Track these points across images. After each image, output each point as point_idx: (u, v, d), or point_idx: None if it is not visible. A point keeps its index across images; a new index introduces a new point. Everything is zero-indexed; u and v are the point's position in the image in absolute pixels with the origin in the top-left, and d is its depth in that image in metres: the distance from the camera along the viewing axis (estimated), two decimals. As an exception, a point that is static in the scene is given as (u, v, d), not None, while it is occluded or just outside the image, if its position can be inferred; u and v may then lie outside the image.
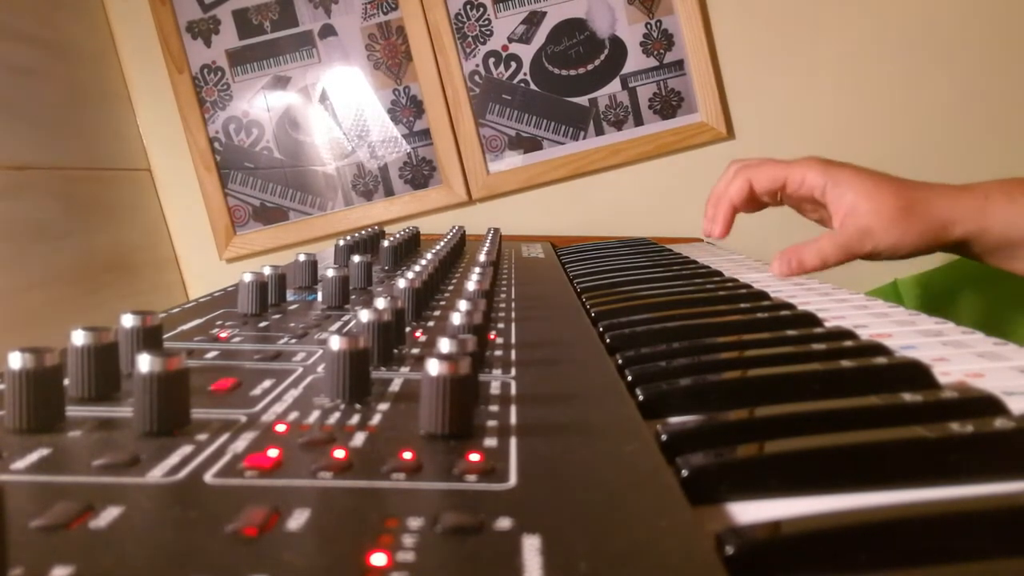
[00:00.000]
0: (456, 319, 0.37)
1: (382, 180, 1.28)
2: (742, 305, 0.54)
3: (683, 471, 0.26)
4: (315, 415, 0.30)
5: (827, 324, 0.48)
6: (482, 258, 0.63)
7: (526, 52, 1.25)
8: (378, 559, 0.19)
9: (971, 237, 0.67)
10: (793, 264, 0.67)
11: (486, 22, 1.25)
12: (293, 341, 0.42)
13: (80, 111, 1.15)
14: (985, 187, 0.67)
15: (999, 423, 0.28)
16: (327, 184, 1.28)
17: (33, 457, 0.25)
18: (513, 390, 0.34)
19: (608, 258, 0.87)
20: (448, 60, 1.25)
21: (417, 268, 0.52)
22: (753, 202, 0.74)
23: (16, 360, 0.27)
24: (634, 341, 0.44)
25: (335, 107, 1.27)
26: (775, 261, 0.69)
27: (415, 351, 0.41)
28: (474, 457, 0.25)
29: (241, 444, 0.27)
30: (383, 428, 0.29)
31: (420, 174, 1.28)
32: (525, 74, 1.25)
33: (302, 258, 0.62)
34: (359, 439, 0.27)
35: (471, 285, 0.45)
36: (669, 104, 1.24)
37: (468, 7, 1.25)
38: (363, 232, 0.83)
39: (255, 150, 1.28)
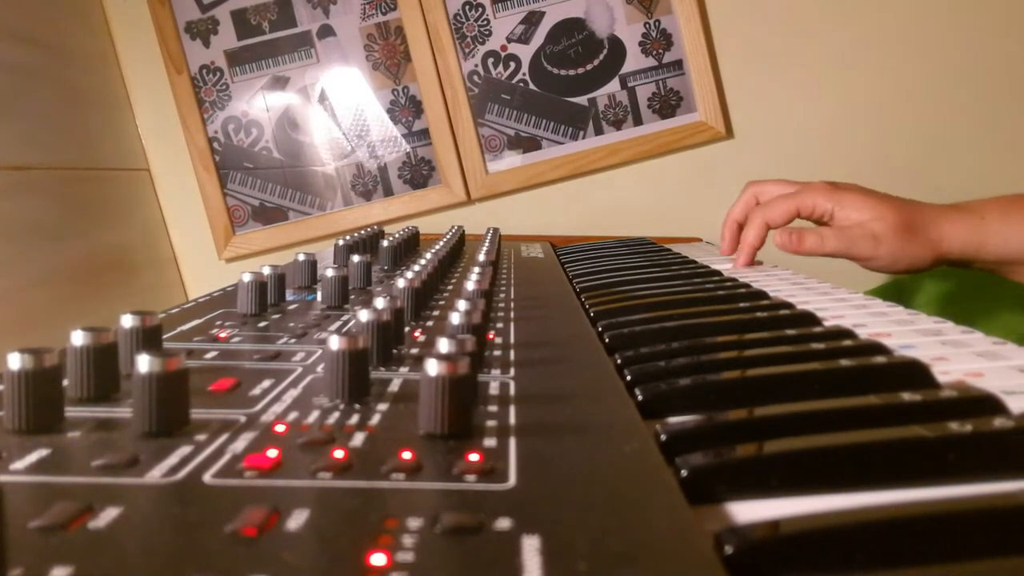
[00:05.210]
0: (455, 319, 0.37)
1: (381, 180, 1.28)
2: (741, 304, 0.54)
3: (682, 471, 0.26)
4: (314, 415, 0.30)
5: (826, 323, 0.48)
6: (481, 258, 0.63)
7: (525, 52, 1.25)
8: (378, 559, 0.19)
9: (968, 255, 0.71)
10: (793, 238, 0.73)
11: (485, 22, 1.25)
12: (292, 341, 0.42)
13: (79, 111, 1.15)
14: (981, 206, 0.72)
15: (998, 422, 0.28)
16: (326, 184, 1.28)
17: (32, 457, 0.25)
18: (512, 390, 0.34)
19: (607, 258, 0.87)
20: (447, 60, 1.25)
21: (416, 268, 0.52)
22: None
23: (15, 360, 0.27)
24: (633, 341, 0.44)
25: (334, 107, 1.27)
26: (778, 235, 0.74)
27: (414, 351, 0.40)
28: (473, 457, 0.25)
29: (240, 444, 0.27)
30: (382, 428, 0.28)
31: (419, 174, 1.28)
32: (524, 74, 1.25)
33: (301, 258, 0.62)
34: (358, 439, 0.27)
35: (470, 285, 0.45)
36: (668, 104, 1.24)
37: (467, 7, 1.25)
38: (362, 232, 0.83)
39: (254, 150, 1.28)
